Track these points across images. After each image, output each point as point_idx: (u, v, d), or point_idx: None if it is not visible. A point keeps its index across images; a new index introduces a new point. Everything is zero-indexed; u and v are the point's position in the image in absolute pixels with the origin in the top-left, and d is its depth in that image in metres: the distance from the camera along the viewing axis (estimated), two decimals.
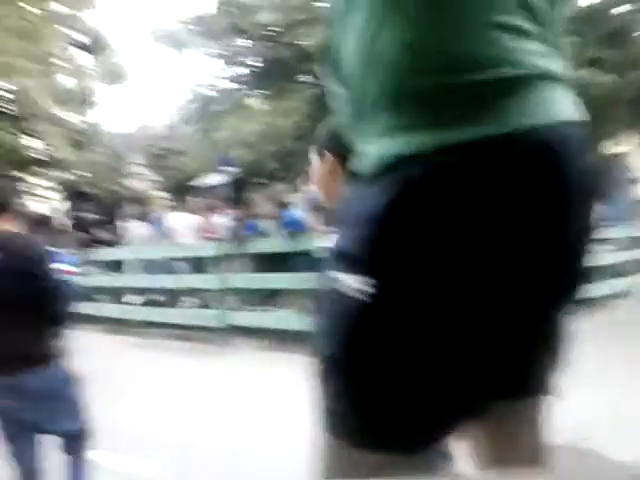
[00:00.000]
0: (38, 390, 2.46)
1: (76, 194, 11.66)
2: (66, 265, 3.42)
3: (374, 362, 0.68)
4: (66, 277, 3.21)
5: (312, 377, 0.77)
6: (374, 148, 0.73)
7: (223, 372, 6.43)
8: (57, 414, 2.56)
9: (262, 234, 8.03)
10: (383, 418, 0.70)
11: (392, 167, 0.69)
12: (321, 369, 0.75)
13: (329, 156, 1.76)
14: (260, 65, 9.45)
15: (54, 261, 3.01)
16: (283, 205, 7.98)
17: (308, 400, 0.84)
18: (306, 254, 7.21)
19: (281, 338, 7.46)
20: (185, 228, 8.99)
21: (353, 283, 0.68)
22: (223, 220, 8.28)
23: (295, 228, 7.34)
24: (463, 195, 0.67)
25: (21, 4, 12.38)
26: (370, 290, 0.66)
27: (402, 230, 0.67)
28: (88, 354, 7.97)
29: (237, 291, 8.21)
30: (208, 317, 8.05)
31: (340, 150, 1.78)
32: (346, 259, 0.71)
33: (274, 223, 7.93)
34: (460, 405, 0.72)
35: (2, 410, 2.45)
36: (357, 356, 0.69)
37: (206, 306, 8.43)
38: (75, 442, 2.69)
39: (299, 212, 7.57)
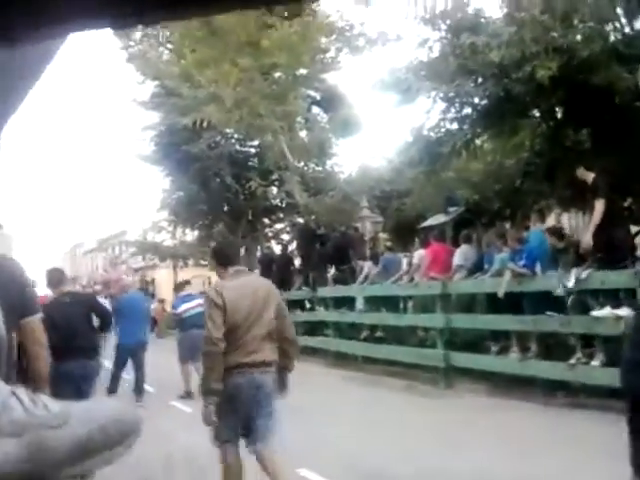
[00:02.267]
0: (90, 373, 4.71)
1: (309, 236, 12.61)
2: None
3: None
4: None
5: (626, 415, 0.67)
6: None
7: (439, 415, 6.21)
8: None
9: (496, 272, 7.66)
10: None
11: None
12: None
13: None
14: (488, 103, 9.27)
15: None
16: (514, 243, 7.53)
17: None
18: (538, 295, 6.70)
19: (501, 383, 6.98)
20: (414, 267, 9.07)
21: None
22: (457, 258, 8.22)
23: (531, 263, 6.89)
24: None
25: (277, 74, 14.18)
26: None
27: None
28: (310, 385, 8.45)
29: (461, 331, 7.95)
30: (430, 356, 7.91)
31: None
32: None
33: (506, 261, 7.52)
34: None
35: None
36: None
37: (430, 345, 8.31)
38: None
39: (535, 250, 7.07)
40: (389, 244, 11.59)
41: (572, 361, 6.07)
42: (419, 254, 9.18)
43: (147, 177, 41.99)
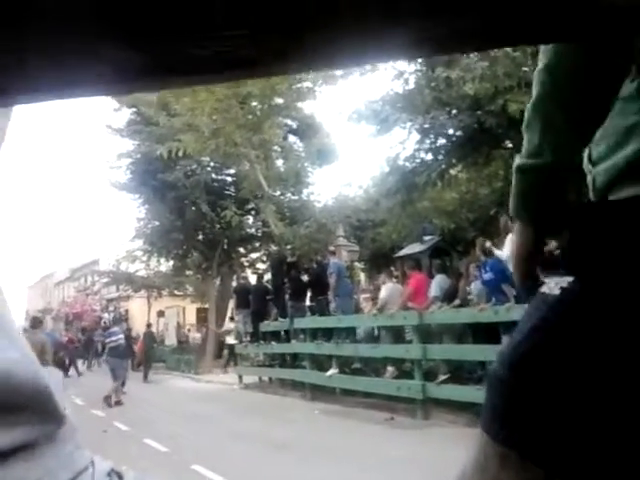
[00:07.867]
0: None
1: (284, 265, 12.52)
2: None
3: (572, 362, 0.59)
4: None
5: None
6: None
7: (418, 447, 6.12)
8: None
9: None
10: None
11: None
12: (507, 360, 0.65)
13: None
14: (462, 134, 9.44)
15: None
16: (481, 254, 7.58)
17: None
18: (514, 324, 6.71)
19: (480, 413, 6.92)
20: (389, 297, 9.03)
21: (554, 282, 0.63)
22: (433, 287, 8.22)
23: (495, 275, 6.94)
24: None
25: (253, 103, 14.21)
26: (569, 286, 0.60)
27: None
28: (290, 420, 8.26)
29: (439, 362, 7.90)
30: (408, 388, 7.84)
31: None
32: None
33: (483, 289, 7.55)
34: None
35: None
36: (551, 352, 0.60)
37: (407, 376, 8.23)
38: None
39: (498, 263, 7.12)
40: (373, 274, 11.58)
41: None
42: (388, 287, 9.15)
43: (120, 205, 41.57)
